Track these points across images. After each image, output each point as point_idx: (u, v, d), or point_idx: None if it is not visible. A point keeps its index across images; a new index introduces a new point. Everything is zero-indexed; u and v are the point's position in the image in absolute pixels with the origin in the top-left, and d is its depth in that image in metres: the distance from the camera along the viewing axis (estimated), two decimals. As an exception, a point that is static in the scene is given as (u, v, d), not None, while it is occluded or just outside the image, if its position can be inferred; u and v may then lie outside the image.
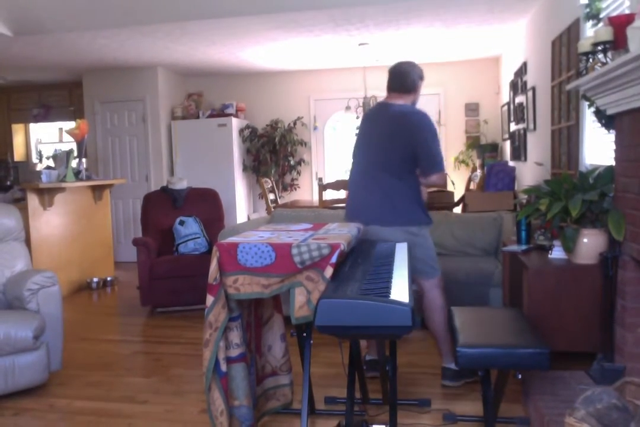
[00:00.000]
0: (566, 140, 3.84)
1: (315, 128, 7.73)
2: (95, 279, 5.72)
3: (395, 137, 2.88)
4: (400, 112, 2.93)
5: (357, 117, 6.76)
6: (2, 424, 2.73)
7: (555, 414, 2.21)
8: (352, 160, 3.16)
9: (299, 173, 7.64)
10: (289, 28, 5.31)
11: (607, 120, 2.75)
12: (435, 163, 2.86)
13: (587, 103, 3.04)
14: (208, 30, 5.30)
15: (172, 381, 3.20)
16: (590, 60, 2.64)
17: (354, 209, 3.06)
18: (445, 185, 3.14)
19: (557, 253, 2.90)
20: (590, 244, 2.67)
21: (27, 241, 3.93)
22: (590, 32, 3.27)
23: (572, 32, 3.64)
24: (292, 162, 7.52)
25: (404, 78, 2.96)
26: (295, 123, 7.55)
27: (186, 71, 7.52)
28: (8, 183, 8.28)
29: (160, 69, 7.14)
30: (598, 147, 3.32)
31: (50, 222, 5.27)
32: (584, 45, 2.57)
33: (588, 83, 2.50)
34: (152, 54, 6.32)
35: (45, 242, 5.18)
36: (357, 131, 3.18)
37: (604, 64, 2.47)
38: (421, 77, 3.01)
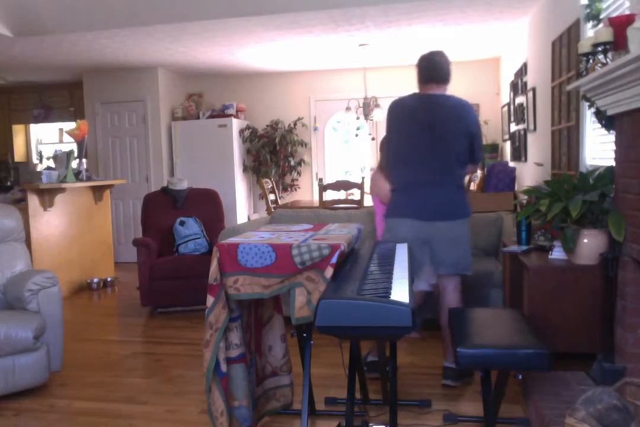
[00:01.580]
0: (566, 141, 3.84)
1: (315, 129, 7.73)
2: (95, 280, 5.72)
3: (459, 128, 2.87)
4: (457, 103, 2.91)
5: (358, 118, 6.77)
6: (2, 424, 2.73)
7: (556, 415, 2.21)
8: (395, 155, 3.02)
9: (299, 173, 7.64)
10: (289, 29, 5.31)
11: (607, 120, 2.75)
12: (482, 153, 3.02)
13: (587, 104, 3.04)
14: (208, 31, 5.30)
15: (173, 382, 3.20)
16: (591, 61, 2.64)
17: (414, 206, 2.93)
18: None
19: (557, 254, 2.90)
20: (590, 244, 2.67)
21: (28, 242, 3.94)
22: (590, 32, 3.27)
23: (572, 33, 3.64)
24: (292, 163, 7.53)
25: (441, 68, 2.94)
26: (295, 124, 7.55)
27: (186, 72, 7.52)
28: (8, 184, 8.30)
29: (160, 69, 7.14)
30: (598, 148, 3.32)
31: (51, 222, 5.27)
32: (584, 45, 2.58)
33: (588, 84, 2.50)
34: (152, 54, 6.32)
35: (45, 242, 5.18)
36: (395, 124, 3.02)
37: (604, 64, 2.48)
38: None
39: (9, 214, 3.56)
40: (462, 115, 2.89)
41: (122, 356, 3.69)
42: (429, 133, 2.88)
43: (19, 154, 8.44)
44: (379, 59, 6.91)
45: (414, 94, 3.02)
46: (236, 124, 7.31)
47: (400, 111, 3.01)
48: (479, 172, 6.49)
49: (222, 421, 2.14)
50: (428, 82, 2.94)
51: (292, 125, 7.55)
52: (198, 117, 7.36)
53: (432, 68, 2.93)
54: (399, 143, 3.00)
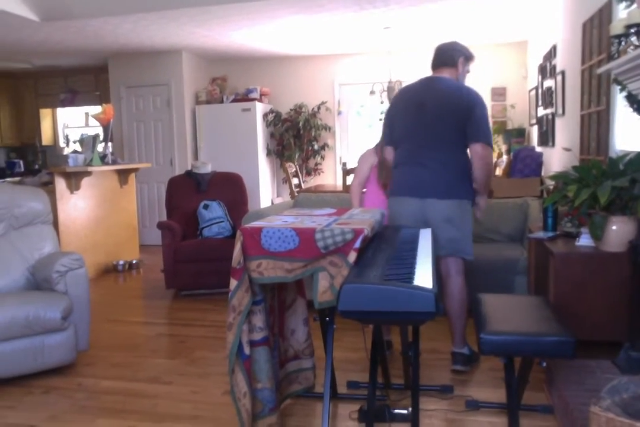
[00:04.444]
0: (596, 126, 3.76)
1: (339, 113, 7.69)
2: (121, 262, 5.81)
3: (450, 110, 2.90)
4: (452, 85, 2.97)
5: (382, 102, 6.71)
6: (32, 401, 2.81)
7: (580, 403, 2.19)
8: (392, 135, 3.11)
9: (322, 158, 7.62)
10: (312, 12, 5.26)
11: (638, 105, 2.68)
12: (482, 131, 2.89)
13: (618, 87, 2.97)
14: (232, 14, 5.27)
15: (197, 363, 3.24)
16: (623, 43, 2.57)
17: (407, 183, 3.00)
18: (492, 164, 3.06)
19: (584, 240, 2.85)
20: (619, 231, 2.62)
21: (55, 224, 4.00)
22: (623, 13, 3.18)
23: (603, 14, 3.55)
24: (315, 147, 7.51)
25: (441, 53, 3.06)
26: (319, 107, 7.52)
27: (210, 55, 7.51)
28: (36, 167, 8.43)
29: (184, 53, 7.14)
30: (629, 133, 3.25)
31: (77, 205, 5.35)
32: (616, 27, 2.51)
33: (620, 67, 2.44)
34: (176, 38, 6.32)
35: (72, 225, 5.26)
36: (396, 105, 3.12)
37: (636, 46, 2.41)
38: (463, 54, 3.05)
39: (37, 197, 3.62)
40: (456, 96, 2.92)
41: (147, 337, 3.76)
42: (422, 112, 2.96)
43: (46, 138, 8.56)
44: (404, 42, 6.81)
45: (419, 79, 3.15)
46: (260, 108, 7.30)
47: (402, 93, 3.17)
48: (504, 157, 6.41)
49: (244, 402, 2.17)
50: (432, 68, 3.11)
51: (315, 109, 7.52)
52: (222, 101, 7.36)
53: (434, 55, 3.10)
54: (398, 123, 3.09)
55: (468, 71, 3.12)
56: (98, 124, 5.73)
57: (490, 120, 7.04)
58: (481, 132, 2.89)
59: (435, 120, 2.93)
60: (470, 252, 3.02)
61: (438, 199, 2.91)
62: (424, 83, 3.05)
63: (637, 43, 2.43)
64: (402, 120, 3.06)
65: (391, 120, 3.14)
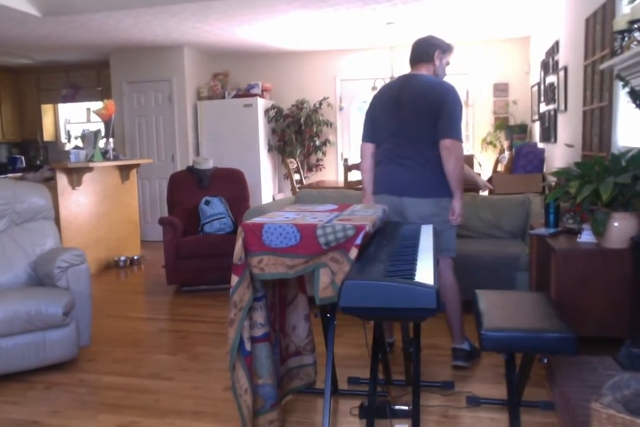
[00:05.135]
0: (598, 122, 3.75)
1: (341, 108, 7.67)
2: (122, 258, 5.82)
3: (425, 107, 2.87)
4: (426, 82, 2.94)
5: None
6: (34, 396, 2.81)
7: (581, 400, 2.19)
8: (373, 132, 3.11)
9: (324, 154, 7.61)
10: (315, 7, 5.24)
11: (642, 101, 2.67)
12: (451, 127, 2.83)
13: (621, 83, 2.95)
14: (234, 10, 5.26)
15: (198, 359, 3.25)
16: (626, 38, 2.56)
17: (386, 181, 3.01)
18: (462, 158, 2.96)
19: (586, 237, 2.85)
20: (621, 228, 2.62)
21: (57, 220, 3.99)
22: (626, 9, 3.16)
23: (607, 10, 3.53)
24: (317, 143, 7.49)
25: (418, 49, 3.03)
26: (321, 103, 7.50)
27: (212, 51, 7.49)
28: (38, 162, 8.43)
29: (186, 48, 7.13)
30: (632, 129, 3.24)
31: (79, 201, 5.35)
32: (620, 23, 2.50)
33: (623, 62, 2.43)
34: (178, 33, 6.31)
35: (74, 220, 5.26)
36: (375, 104, 3.11)
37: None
38: (439, 47, 3.00)
39: (38, 193, 3.62)
40: (431, 93, 2.88)
41: (149, 333, 3.76)
42: (399, 111, 2.95)
43: (47, 134, 8.56)
44: (406, 38, 6.78)
45: (398, 77, 3.14)
46: (261, 104, 7.29)
47: (381, 92, 3.14)
48: (506, 153, 6.39)
49: (245, 398, 2.17)
50: (410, 64, 3.08)
51: (317, 105, 7.50)
52: (223, 97, 7.35)
53: (411, 50, 3.06)
54: (378, 121, 3.08)
55: (448, 63, 3.09)
56: (100, 119, 5.73)
57: (492, 117, 7.12)
58: (451, 127, 2.83)
59: (412, 119, 2.91)
60: (450, 249, 3.00)
61: (416, 198, 2.90)
62: (402, 81, 3.03)
63: (640, 39, 2.42)
64: (381, 119, 3.05)
65: (372, 119, 3.12)
